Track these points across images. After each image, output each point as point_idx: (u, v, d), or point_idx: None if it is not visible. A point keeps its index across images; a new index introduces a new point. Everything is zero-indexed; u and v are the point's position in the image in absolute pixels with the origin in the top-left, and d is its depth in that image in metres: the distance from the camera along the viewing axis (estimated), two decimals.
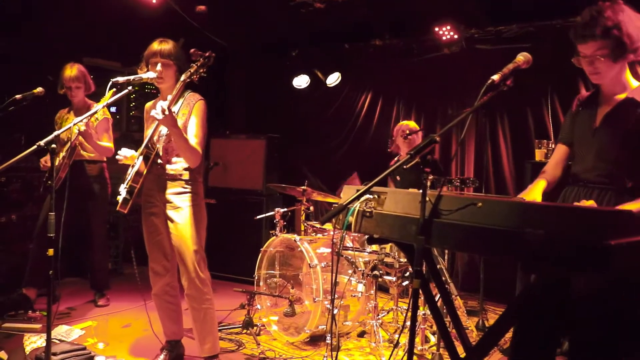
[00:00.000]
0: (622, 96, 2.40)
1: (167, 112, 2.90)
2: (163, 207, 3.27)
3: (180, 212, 3.24)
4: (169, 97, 3.11)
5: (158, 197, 3.29)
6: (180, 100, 3.29)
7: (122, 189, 3.19)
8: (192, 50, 3.13)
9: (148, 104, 3.50)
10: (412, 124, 4.82)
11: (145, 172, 3.17)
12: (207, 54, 3.12)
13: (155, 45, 3.24)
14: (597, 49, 2.29)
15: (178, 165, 3.27)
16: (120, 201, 3.18)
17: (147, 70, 3.24)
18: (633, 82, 2.43)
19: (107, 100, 3.24)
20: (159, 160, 3.26)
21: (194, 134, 3.21)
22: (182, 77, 3.11)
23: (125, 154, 3.24)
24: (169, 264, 3.40)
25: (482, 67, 5.32)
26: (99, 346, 3.80)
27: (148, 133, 3.29)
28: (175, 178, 3.26)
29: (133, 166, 3.22)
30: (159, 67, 3.20)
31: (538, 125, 5.39)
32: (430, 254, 2.34)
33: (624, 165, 2.34)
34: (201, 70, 3.12)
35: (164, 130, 3.21)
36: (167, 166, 3.26)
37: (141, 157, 3.17)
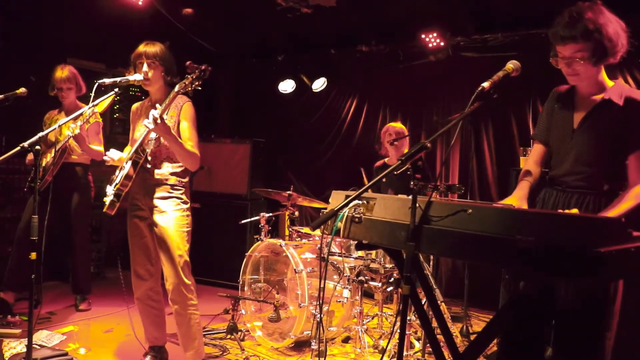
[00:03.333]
0: (598, 97, 2.38)
1: (159, 121, 2.89)
2: (149, 211, 3.25)
3: (165, 216, 3.21)
4: (158, 106, 3.08)
5: (144, 201, 3.26)
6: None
7: (110, 192, 3.15)
8: (188, 62, 3.11)
9: (135, 105, 3.47)
10: (398, 126, 4.80)
11: (134, 177, 3.14)
12: (203, 67, 3.10)
13: (142, 47, 3.23)
14: (576, 51, 2.26)
15: (164, 170, 3.25)
16: (107, 203, 3.14)
17: (135, 73, 3.22)
18: (609, 81, 2.41)
19: (103, 106, 3.22)
20: (148, 165, 3.23)
21: (188, 138, 3.19)
22: (176, 88, 3.07)
23: (113, 155, 3.22)
24: (153, 269, 3.36)
25: (468, 74, 5.38)
26: (81, 351, 3.73)
27: (136, 135, 3.26)
28: (161, 183, 3.24)
29: (122, 169, 3.19)
30: (145, 67, 3.18)
31: (522, 132, 5.44)
32: (418, 260, 2.34)
33: (602, 168, 2.33)
34: (196, 83, 3.10)
35: (153, 134, 3.18)
36: (155, 171, 3.24)
37: (130, 162, 3.14)
